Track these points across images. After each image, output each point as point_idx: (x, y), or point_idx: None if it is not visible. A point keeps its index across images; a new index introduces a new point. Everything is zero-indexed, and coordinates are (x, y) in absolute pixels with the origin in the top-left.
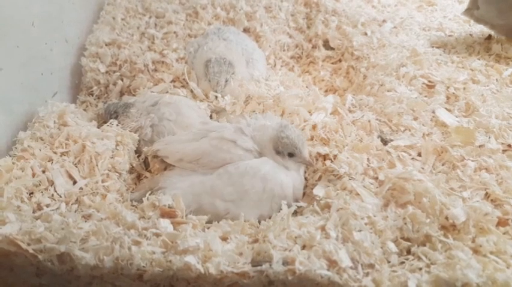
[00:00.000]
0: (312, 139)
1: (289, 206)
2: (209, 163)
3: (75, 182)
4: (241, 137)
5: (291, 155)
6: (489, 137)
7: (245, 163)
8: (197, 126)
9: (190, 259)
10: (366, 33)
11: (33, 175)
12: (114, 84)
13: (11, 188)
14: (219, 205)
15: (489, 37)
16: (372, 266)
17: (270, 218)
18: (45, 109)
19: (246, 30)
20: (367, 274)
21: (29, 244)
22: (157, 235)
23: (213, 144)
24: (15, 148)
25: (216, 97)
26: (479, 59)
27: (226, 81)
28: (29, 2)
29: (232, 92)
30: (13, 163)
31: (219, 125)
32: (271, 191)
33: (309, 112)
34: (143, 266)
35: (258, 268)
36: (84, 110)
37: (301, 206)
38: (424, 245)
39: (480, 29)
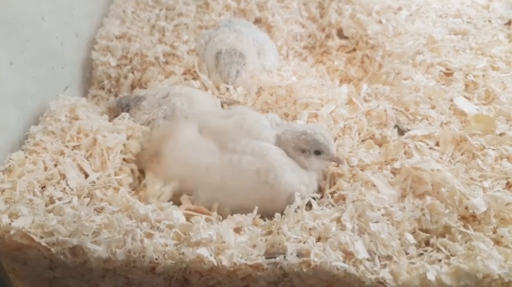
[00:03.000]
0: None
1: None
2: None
3: (86, 176)
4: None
5: (317, 152)
6: (510, 125)
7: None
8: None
9: (203, 251)
10: (380, 21)
11: (45, 169)
12: (125, 77)
13: (23, 182)
14: (208, 188)
15: (509, 23)
16: (389, 257)
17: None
18: (57, 103)
19: (257, 21)
20: (384, 266)
21: (41, 237)
22: (170, 227)
23: (234, 124)
24: (27, 142)
25: (228, 89)
26: (498, 46)
27: (237, 72)
28: None
29: (244, 84)
30: (25, 157)
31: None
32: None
33: (322, 102)
34: (156, 259)
35: (272, 260)
36: (96, 104)
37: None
38: (443, 236)
39: (500, 15)
